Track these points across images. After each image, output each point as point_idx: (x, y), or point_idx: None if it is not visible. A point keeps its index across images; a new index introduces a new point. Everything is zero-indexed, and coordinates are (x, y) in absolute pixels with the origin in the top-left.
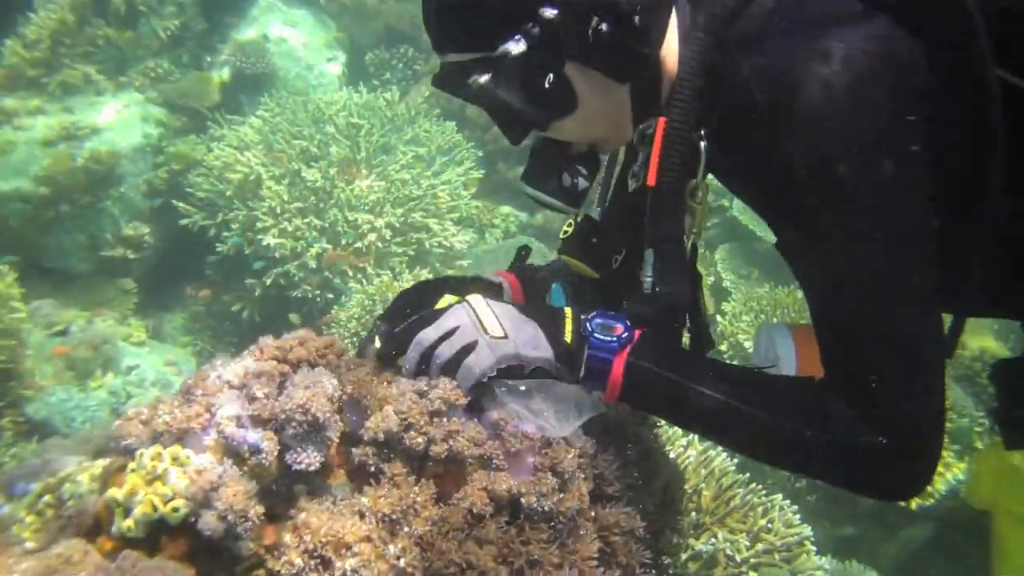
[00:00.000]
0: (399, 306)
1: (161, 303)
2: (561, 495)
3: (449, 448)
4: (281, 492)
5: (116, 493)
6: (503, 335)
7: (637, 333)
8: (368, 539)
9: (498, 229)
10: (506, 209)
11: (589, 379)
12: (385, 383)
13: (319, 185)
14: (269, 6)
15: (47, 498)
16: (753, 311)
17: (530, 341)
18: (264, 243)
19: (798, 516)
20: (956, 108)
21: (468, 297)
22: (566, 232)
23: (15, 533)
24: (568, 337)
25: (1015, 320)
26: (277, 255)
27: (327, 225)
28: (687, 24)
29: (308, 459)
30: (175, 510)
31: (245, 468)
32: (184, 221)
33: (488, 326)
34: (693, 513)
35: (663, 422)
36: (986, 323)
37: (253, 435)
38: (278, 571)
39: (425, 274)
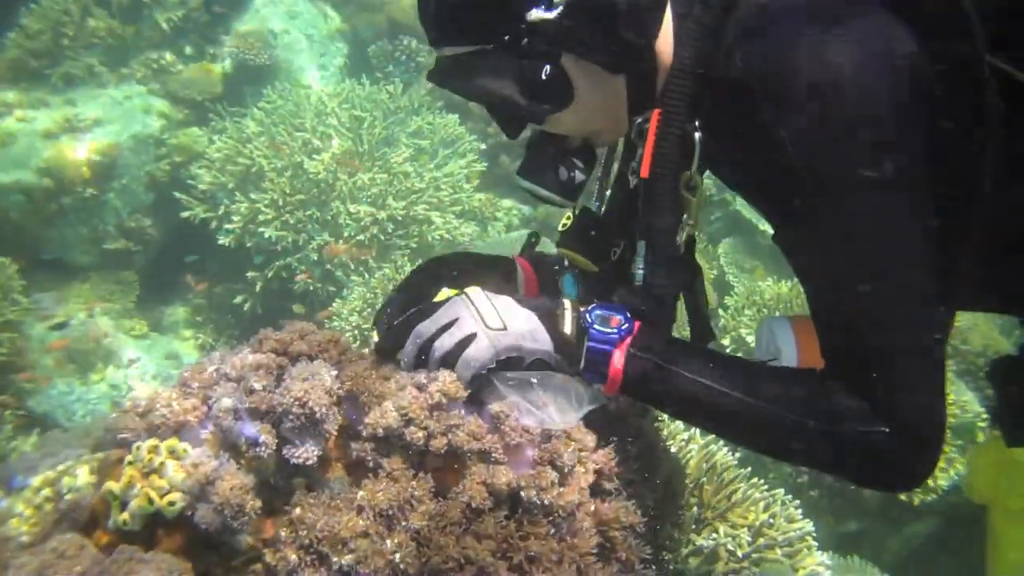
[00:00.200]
0: (414, 283)
1: (163, 296)
2: (561, 489)
3: (448, 442)
4: (279, 485)
5: (112, 486)
6: (502, 327)
7: (637, 325)
8: (365, 534)
9: (500, 222)
10: (508, 202)
11: (589, 371)
12: (384, 377)
13: (321, 177)
14: None
15: (46, 492)
16: (756, 305)
17: (529, 333)
18: (266, 235)
19: (800, 511)
20: (952, 99)
21: (467, 290)
22: (564, 225)
23: (13, 527)
24: (568, 329)
25: (1005, 314)
26: (279, 247)
27: (329, 218)
28: (682, 15)
29: (306, 453)
30: (171, 504)
31: (242, 461)
32: (186, 213)
33: (487, 318)
34: (694, 508)
35: (664, 415)
36: (991, 318)
37: (250, 428)
38: (275, 566)
39: None
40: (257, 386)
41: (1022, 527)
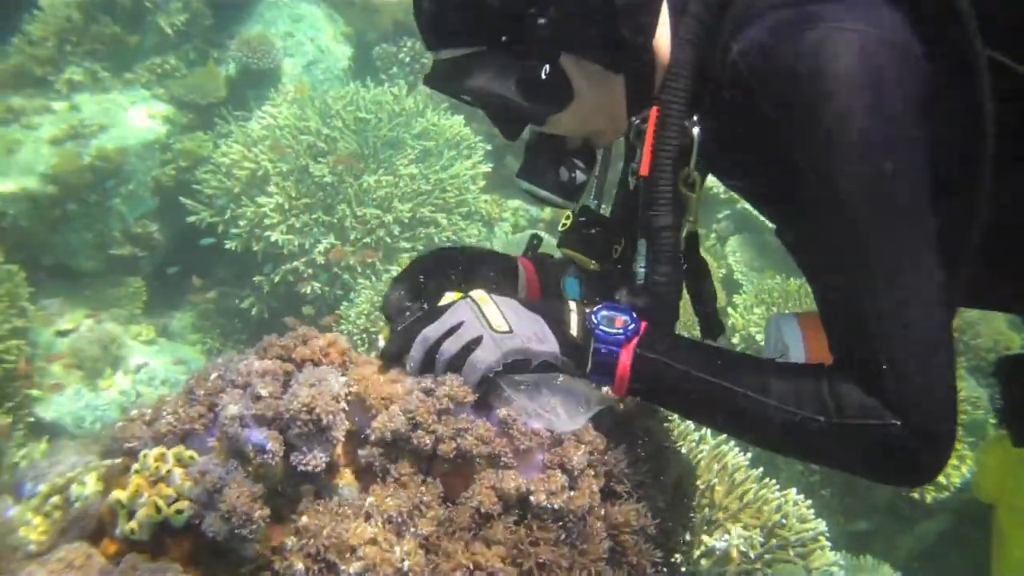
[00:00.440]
0: (414, 274)
1: (170, 301)
2: (571, 493)
3: (457, 447)
4: (287, 493)
5: (120, 495)
6: (508, 330)
7: (643, 324)
8: (374, 541)
9: (507, 223)
10: (515, 203)
11: (596, 372)
12: (391, 381)
13: (327, 180)
14: (276, 1)
15: (54, 499)
16: (765, 303)
17: (535, 335)
18: (272, 239)
19: (812, 511)
20: (950, 92)
21: (471, 292)
22: (564, 225)
23: (22, 535)
24: (574, 330)
25: (1005, 312)
26: (285, 251)
27: (335, 221)
28: (679, 13)
29: (314, 460)
30: (179, 512)
31: (250, 469)
32: (192, 218)
33: (492, 321)
34: (706, 509)
35: (674, 416)
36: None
37: (257, 435)
38: (283, 574)
39: None
40: (263, 392)
41: None
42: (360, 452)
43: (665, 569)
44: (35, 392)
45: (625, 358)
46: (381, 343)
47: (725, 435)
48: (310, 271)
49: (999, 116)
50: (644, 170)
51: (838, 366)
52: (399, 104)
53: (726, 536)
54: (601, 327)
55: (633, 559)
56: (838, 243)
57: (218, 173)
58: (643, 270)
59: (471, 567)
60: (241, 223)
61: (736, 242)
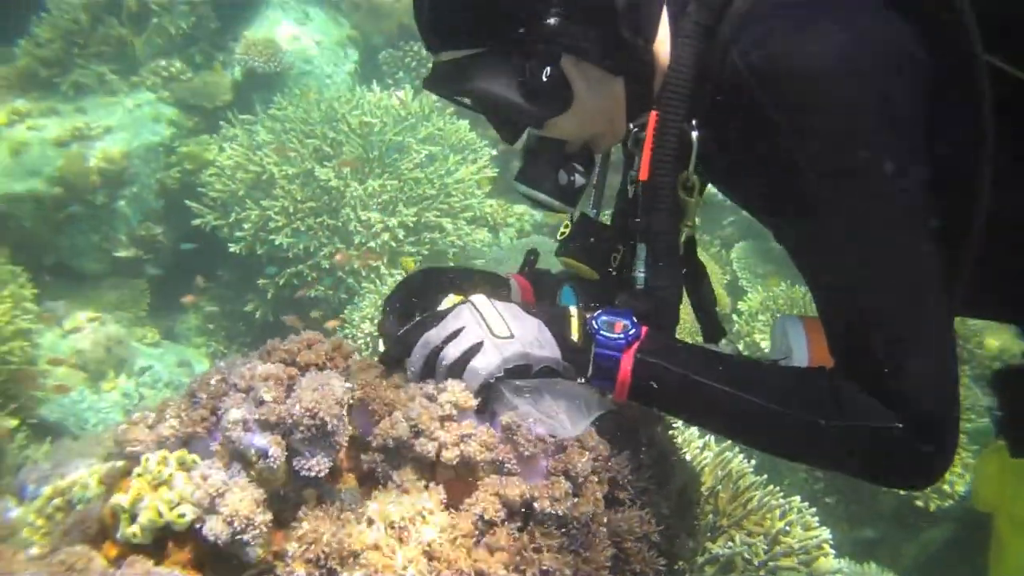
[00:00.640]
0: (404, 294)
1: (174, 304)
2: (575, 499)
3: (460, 453)
4: (290, 497)
5: (121, 499)
6: (509, 335)
7: (644, 329)
8: (376, 547)
9: (512, 228)
10: (520, 208)
11: (597, 377)
12: (395, 386)
13: (332, 184)
14: (282, 4)
15: (56, 501)
16: (770, 310)
17: (536, 340)
18: (277, 243)
19: (816, 518)
20: (948, 94)
21: (472, 297)
22: (563, 233)
23: (24, 537)
24: (575, 335)
25: (1001, 322)
26: (290, 255)
27: (340, 224)
28: (678, 15)
29: (317, 465)
30: (181, 516)
31: (252, 473)
32: (196, 221)
33: (493, 326)
34: (710, 516)
35: (678, 422)
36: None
37: (260, 439)
38: None
39: None
40: (267, 397)
41: None
42: (363, 458)
43: None
44: (39, 393)
45: (626, 363)
46: (382, 348)
47: (728, 440)
48: (314, 275)
49: (997, 119)
50: (644, 174)
51: (839, 368)
52: (404, 108)
53: (730, 543)
54: (602, 332)
55: (637, 567)
56: (839, 245)
57: (223, 176)
58: (643, 275)
59: (473, 574)
60: (246, 226)
61: (741, 249)
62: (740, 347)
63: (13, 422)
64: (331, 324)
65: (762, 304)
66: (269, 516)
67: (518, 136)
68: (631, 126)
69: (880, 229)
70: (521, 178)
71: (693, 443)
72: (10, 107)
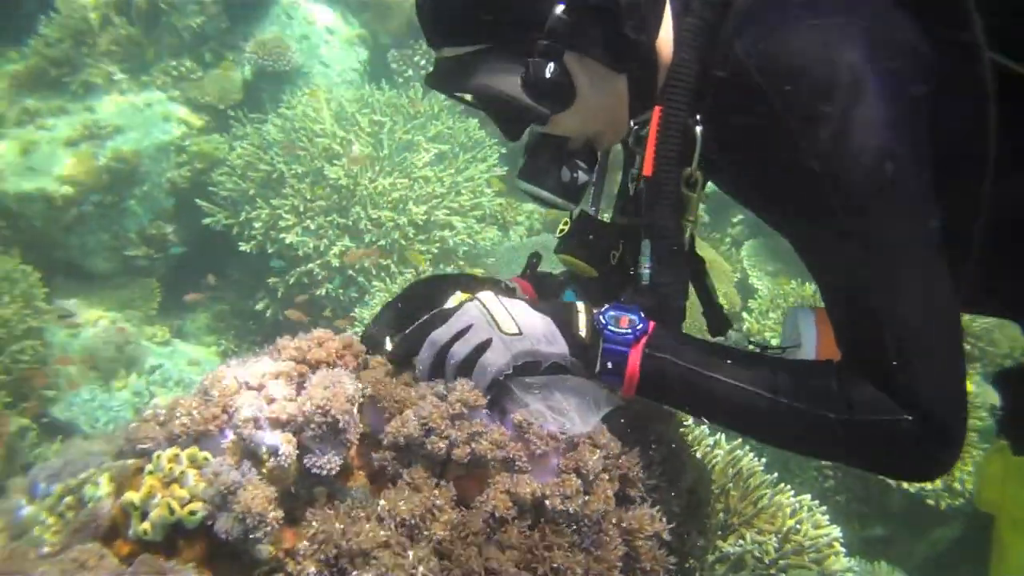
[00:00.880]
0: (404, 300)
1: (185, 303)
2: (586, 497)
3: (471, 451)
4: (301, 495)
5: (133, 496)
6: (517, 331)
7: (651, 324)
8: (387, 545)
9: (522, 226)
10: (530, 206)
11: (605, 373)
12: (404, 385)
13: (342, 183)
14: (291, 3)
15: (68, 499)
16: (780, 308)
17: (544, 336)
18: (287, 241)
19: (827, 517)
20: (954, 91)
21: (479, 294)
22: (562, 231)
23: (36, 535)
24: (583, 331)
25: (1001, 318)
26: (300, 253)
27: (350, 223)
28: (681, 12)
29: (328, 463)
30: (192, 513)
31: (263, 471)
32: (207, 220)
33: (501, 323)
34: (720, 514)
35: (688, 420)
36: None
37: (271, 437)
38: None
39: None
40: (277, 395)
41: None
42: (374, 456)
43: (679, 575)
44: (49, 392)
45: (634, 358)
46: (389, 347)
47: (738, 436)
48: (325, 273)
49: (1000, 116)
50: (647, 170)
51: (847, 362)
52: (414, 107)
53: (741, 541)
54: (609, 327)
55: (647, 565)
56: (845, 239)
57: (233, 175)
58: (647, 271)
59: (484, 573)
60: (256, 225)
61: (751, 246)
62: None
63: (24, 420)
64: (340, 323)
65: (772, 302)
66: (281, 513)
67: (520, 133)
68: (632, 124)
69: (887, 225)
70: (523, 175)
71: (704, 441)
72: (20, 106)
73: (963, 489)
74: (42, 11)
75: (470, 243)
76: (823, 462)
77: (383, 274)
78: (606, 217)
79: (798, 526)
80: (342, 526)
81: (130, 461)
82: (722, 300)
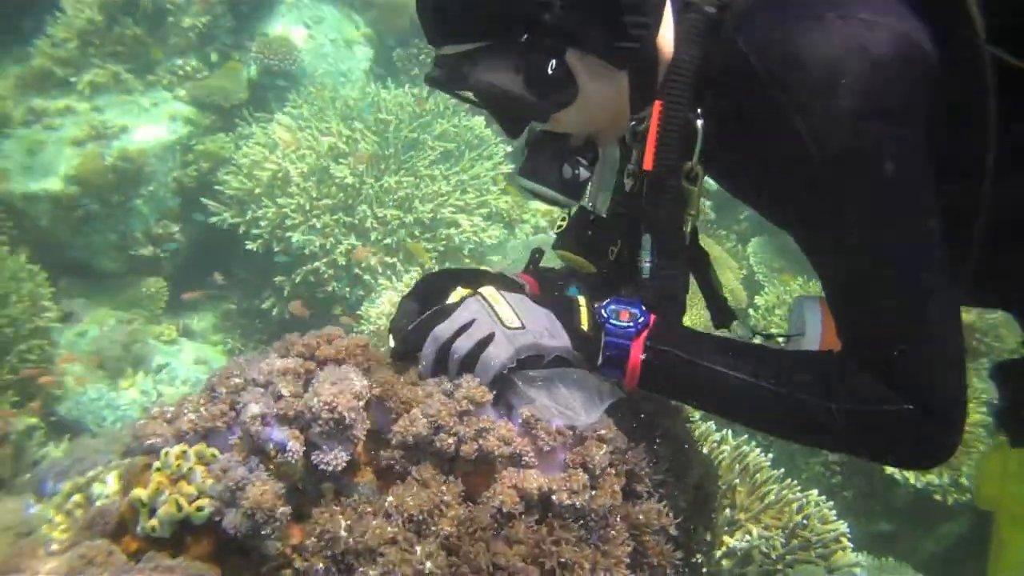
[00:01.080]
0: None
1: (192, 301)
2: (593, 492)
3: (479, 447)
4: (308, 491)
5: (140, 493)
6: (520, 325)
7: (652, 317)
8: (394, 541)
9: (528, 224)
10: (536, 204)
11: (607, 366)
12: (411, 382)
13: (348, 182)
14: (296, 3)
15: (76, 498)
16: (786, 305)
17: (547, 330)
18: (293, 240)
19: (834, 512)
20: (954, 86)
21: (481, 289)
22: (560, 227)
23: (44, 533)
24: (584, 324)
25: (999, 310)
26: (307, 252)
27: (356, 221)
28: (682, 7)
29: (335, 459)
30: (200, 509)
31: (271, 467)
32: (213, 219)
33: (504, 317)
34: (727, 509)
35: (696, 416)
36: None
37: (279, 433)
38: (304, 573)
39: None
40: (285, 391)
41: None
42: (382, 454)
43: (686, 569)
44: (57, 391)
45: (636, 351)
46: (392, 344)
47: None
48: (331, 271)
49: (1001, 112)
50: (647, 164)
51: (848, 352)
52: (419, 105)
53: (747, 537)
54: (611, 321)
55: (654, 560)
56: (845, 232)
57: (239, 174)
58: (648, 264)
59: (492, 568)
60: (262, 224)
61: (757, 243)
62: (757, 342)
63: (32, 419)
64: (345, 320)
65: (778, 299)
66: (288, 509)
67: (521, 131)
68: (631, 120)
69: (887, 219)
70: (525, 173)
71: (711, 437)
72: (26, 106)
73: (970, 484)
74: (48, 11)
75: (476, 241)
76: (830, 457)
77: (389, 272)
78: (604, 212)
79: (805, 521)
80: (349, 522)
81: (138, 459)
82: (728, 296)
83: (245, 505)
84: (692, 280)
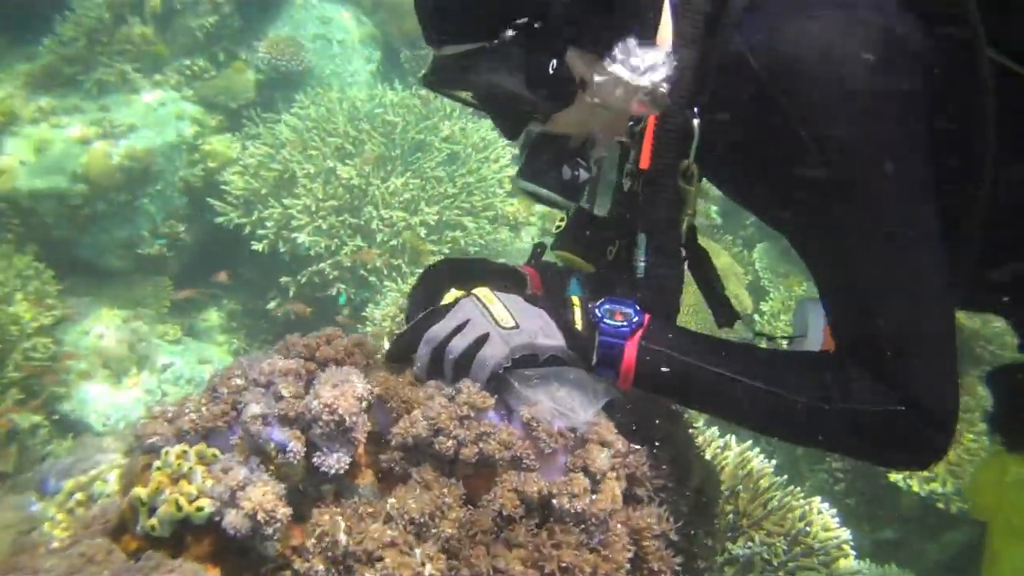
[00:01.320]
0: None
1: (197, 301)
2: (593, 496)
3: (479, 451)
4: (308, 492)
5: (141, 492)
6: (514, 325)
7: (647, 317)
8: (394, 544)
9: (534, 227)
10: (541, 207)
11: (601, 365)
12: (411, 384)
13: (354, 183)
14: (304, 3)
15: (78, 496)
16: (791, 310)
17: (542, 330)
18: (299, 241)
19: (837, 519)
20: (953, 86)
21: (475, 290)
22: (558, 227)
23: (46, 531)
24: (579, 324)
25: (993, 314)
26: (312, 253)
27: (362, 223)
28: (680, 6)
29: (336, 461)
30: (200, 509)
31: (271, 468)
32: (219, 219)
33: (498, 317)
34: (730, 516)
35: (699, 421)
36: None
37: (279, 434)
38: (304, 574)
39: None
40: (286, 392)
41: None
42: (382, 457)
43: (687, 575)
44: (61, 389)
45: (630, 351)
46: (387, 346)
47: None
48: (336, 273)
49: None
50: (644, 163)
51: (843, 352)
52: (426, 107)
53: (750, 543)
54: (605, 320)
55: (654, 565)
56: (841, 233)
57: (246, 174)
58: (643, 264)
59: (491, 572)
60: (268, 224)
61: (762, 249)
62: (763, 346)
63: (36, 418)
64: (346, 321)
65: (784, 304)
66: (289, 510)
67: (520, 132)
68: (629, 119)
69: (883, 220)
70: (524, 175)
71: (714, 443)
72: (34, 105)
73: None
74: (57, 10)
75: (482, 243)
76: (834, 464)
77: (395, 274)
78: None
79: (808, 528)
80: (350, 524)
81: (139, 458)
82: (732, 301)
83: (245, 506)
84: (692, 281)
